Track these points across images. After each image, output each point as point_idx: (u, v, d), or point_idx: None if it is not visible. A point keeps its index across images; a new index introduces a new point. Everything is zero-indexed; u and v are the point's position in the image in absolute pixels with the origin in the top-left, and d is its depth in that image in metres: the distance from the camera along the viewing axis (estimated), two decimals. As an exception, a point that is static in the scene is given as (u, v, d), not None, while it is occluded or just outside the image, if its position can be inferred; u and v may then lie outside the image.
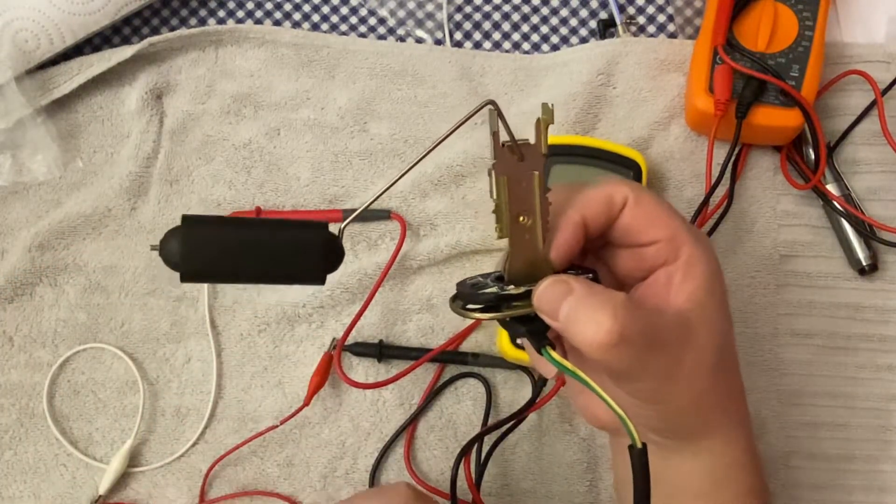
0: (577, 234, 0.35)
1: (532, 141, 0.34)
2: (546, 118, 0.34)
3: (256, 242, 0.33)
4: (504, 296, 0.35)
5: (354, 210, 0.56)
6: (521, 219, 0.35)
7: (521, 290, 0.35)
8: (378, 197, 0.36)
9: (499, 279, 0.36)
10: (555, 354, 0.33)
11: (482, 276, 0.38)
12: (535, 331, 0.35)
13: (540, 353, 0.34)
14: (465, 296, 0.36)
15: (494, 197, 0.34)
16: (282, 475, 0.54)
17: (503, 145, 0.34)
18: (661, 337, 0.34)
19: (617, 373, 0.34)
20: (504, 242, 0.35)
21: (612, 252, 0.38)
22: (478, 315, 0.35)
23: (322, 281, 0.35)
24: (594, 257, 0.39)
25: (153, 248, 0.32)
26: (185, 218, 0.32)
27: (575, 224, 0.35)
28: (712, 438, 0.37)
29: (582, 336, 0.32)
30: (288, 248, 0.34)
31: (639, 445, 0.31)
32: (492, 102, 0.33)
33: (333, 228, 0.35)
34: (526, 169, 0.34)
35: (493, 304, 0.35)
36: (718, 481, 0.38)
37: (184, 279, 0.33)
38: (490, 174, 0.34)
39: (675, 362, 0.34)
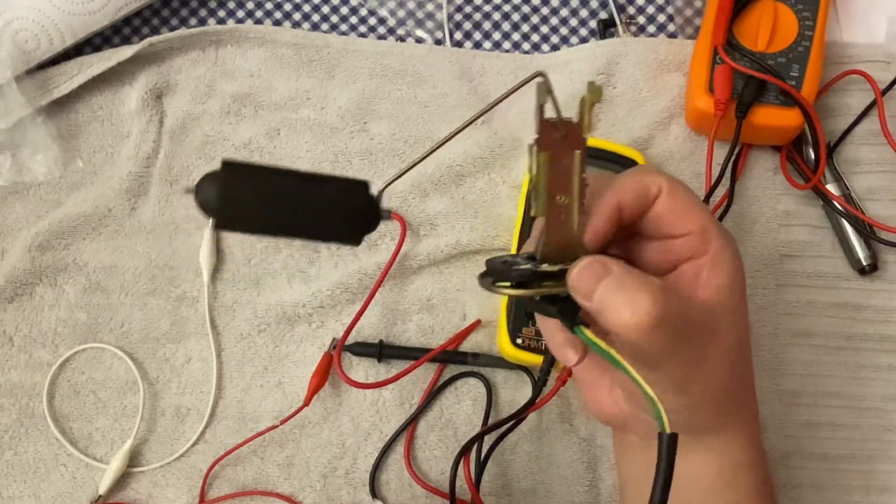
0: (612, 218, 0.35)
1: (575, 120, 0.33)
2: (592, 97, 0.33)
3: (297, 194, 0.32)
4: (539, 273, 0.34)
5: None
6: (559, 198, 0.34)
7: (556, 268, 0.34)
8: (418, 162, 0.34)
9: (529, 259, 0.35)
10: (589, 333, 0.32)
11: (510, 256, 0.38)
12: (566, 310, 0.34)
13: (573, 332, 0.33)
14: (497, 272, 0.35)
15: (533, 173, 0.33)
16: (282, 475, 0.54)
17: (547, 121, 0.33)
18: (691, 326, 0.33)
19: (647, 357, 0.33)
20: (538, 222, 0.34)
21: (637, 243, 0.38)
22: (509, 291, 0.34)
23: (358, 241, 0.34)
24: (618, 249, 0.38)
25: (188, 190, 0.31)
26: (225, 162, 0.31)
27: (611, 208, 0.35)
28: (726, 434, 0.37)
29: (618, 317, 0.32)
30: (328, 204, 0.32)
31: (667, 431, 0.30)
32: (541, 74, 0.32)
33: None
34: (567, 147, 0.33)
35: (525, 281, 0.34)
36: (730, 477, 0.38)
37: (218, 226, 0.31)
38: (531, 150, 0.33)
39: (701, 353, 0.34)
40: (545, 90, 0.32)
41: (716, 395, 0.36)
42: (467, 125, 0.35)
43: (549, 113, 0.33)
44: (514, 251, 0.53)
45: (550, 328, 0.38)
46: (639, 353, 0.33)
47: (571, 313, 0.34)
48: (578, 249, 0.34)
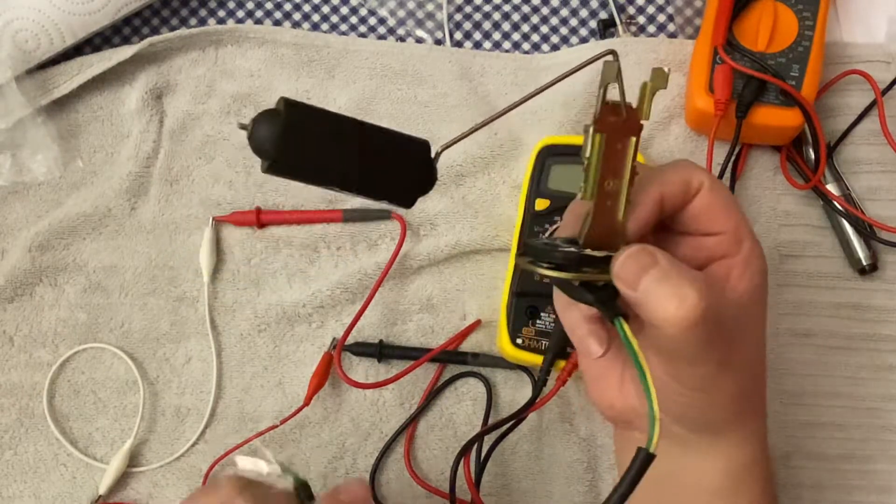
0: (655, 209, 0.35)
1: (634, 105, 0.32)
2: (655, 84, 0.32)
3: (360, 145, 0.30)
4: (585, 256, 0.33)
5: (356, 210, 0.57)
6: (607, 183, 0.33)
7: (602, 254, 0.33)
8: (477, 128, 0.33)
9: (570, 242, 0.34)
10: (626, 327, 0.32)
11: (549, 238, 0.36)
12: (604, 299, 0.33)
13: (612, 322, 0.32)
14: (539, 251, 0.34)
15: (586, 155, 0.33)
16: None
17: (607, 103, 0.32)
18: (723, 325, 0.33)
19: (682, 354, 0.33)
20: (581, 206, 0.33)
21: (669, 239, 0.37)
22: (551, 273, 0.33)
23: (410, 203, 0.32)
24: (650, 243, 0.38)
25: (241, 126, 0.29)
26: (285, 101, 0.29)
27: (654, 200, 0.34)
28: (738, 434, 0.37)
29: (663, 310, 0.31)
30: (389, 160, 0.31)
31: (652, 450, 0.30)
32: (612, 52, 0.31)
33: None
34: (623, 132, 0.33)
35: (567, 264, 0.33)
36: (736, 479, 0.38)
37: (271, 169, 0.29)
38: (586, 130, 0.32)
39: (728, 353, 0.33)
40: (614, 70, 0.31)
41: (736, 396, 0.35)
42: (538, 93, 0.33)
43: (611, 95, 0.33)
44: (513, 251, 0.53)
45: (575, 318, 0.37)
46: (675, 348, 0.32)
47: (610, 303, 0.33)
48: (621, 238, 0.34)
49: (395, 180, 0.31)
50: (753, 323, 0.36)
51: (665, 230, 0.37)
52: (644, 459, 0.30)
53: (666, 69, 0.33)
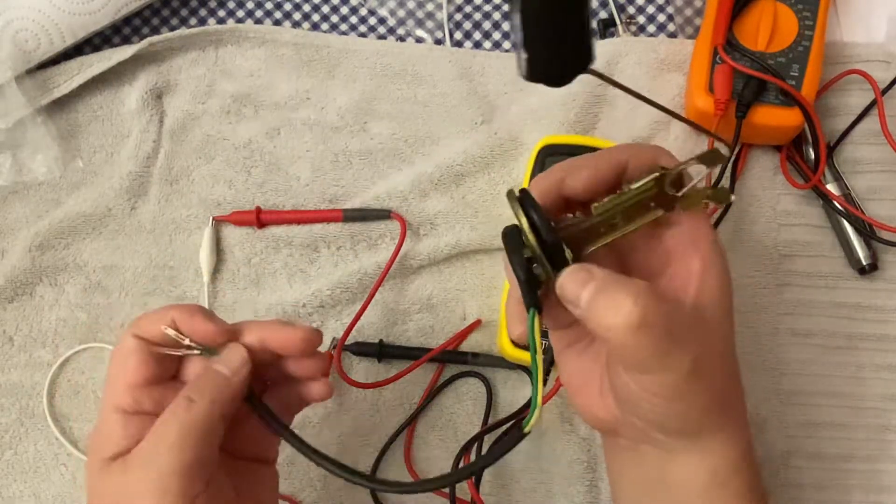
0: (615, 169, 0.36)
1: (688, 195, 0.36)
2: (711, 195, 0.36)
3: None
4: (558, 241, 0.34)
5: (355, 209, 0.57)
6: (616, 217, 0.35)
7: (568, 252, 0.35)
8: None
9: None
10: (536, 321, 0.34)
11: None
12: (531, 284, 0.34)
13: (527, 308, 0.34)
14: (531, 204, 0.35)
15: (633, 186, 0.35)
16: (282, 475, 0.54)
17: (683, 172, 0.35)
18: (681, 328, 0.34)
19: (637, 362, 0.33)
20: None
21: (627, 242, 0.38)
22: (524, 224, 0.34)
23: (533, 78, 0.32)
24: (609, 251, 0.39)
25: None
26: None
27: (619, 161, 0.36)
28: (719, 435, 0.37)
29: (604, 320, 0.32)
30: (570, 25, 0.30)
31: (526, 431, 0.33)
32: (728, 147, 0.36)
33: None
34: (662, 201, 0.35)
35: (544, 234, 0.34)
36: (722, 481, 0.38)
37: None
38: (651, 171, 0.35)
39: (692, 357, 0.34)
40: (715, 160, 0.35)
41: (710, 402, 0.36)
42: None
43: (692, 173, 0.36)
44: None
45: (511, 295, 0.38)
46: (629, 356, 0.33)
47: (533, 293, 0.34)
48: (578, 257, 0.35)
49: (551, 49, 0.31)
50: (720, 324, 0.36)
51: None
52: (518, 436, 0.33)
53: (733, 197, 0.37)
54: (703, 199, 0.36)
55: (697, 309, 0.35)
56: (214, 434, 0.37)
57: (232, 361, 0.39)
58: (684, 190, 0.35)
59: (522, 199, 0.35)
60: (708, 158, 0.35)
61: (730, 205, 0.54)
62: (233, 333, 0.40)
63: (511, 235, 0.36)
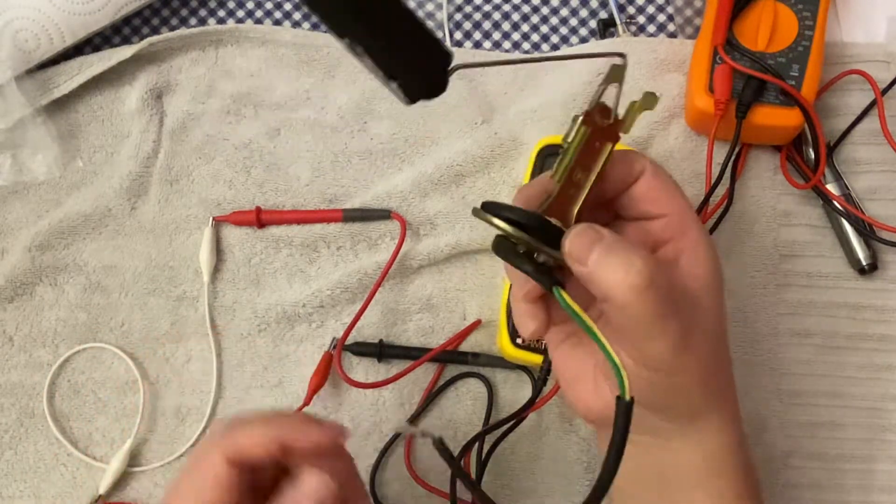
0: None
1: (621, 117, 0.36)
2: (644, 105, 0.36)
3: (392, 11, 0.30)
4: (543, 220, 0.34)
5: (355, 209, 0.57)
6: (576, 173, 0.36)
7: (557, 222, 0.35)
8: (514, 62, 0.35)
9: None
10: (565, 295, 0.33)
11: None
12: (543, 271, 0.34)
13: (550, 292, 0.34)
14: (500, 206, 0.35)
15: (568, 140, 0.36)
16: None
17: (601, 104, 0.35)
18: (680, 295, 0.34)
19: (637, 324, 0.34)
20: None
21: (616, 225, 0.39)
22: (505, 226, 0.34)
23: (413, 96, 0.32)
24: None
25: None
26: None
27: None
28: (712, 417, 0.38)
29: (613, 278, 0.33)
30: (413, 41, 0.31)
31: (627, 398, 0.31)
32: (621, 55, 0.34)
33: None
34: (604, 135, 0.36)
35: (528, 222, 0.34)
36: (716, 463, 0.38)
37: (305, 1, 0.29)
38: (574, 119, 0.35)
39: (687, 329, 0.34)
40: (620, 74, 0.34)
41: (703, 378, 0.36)
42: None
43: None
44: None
45: (516, 296, 0.38)
46: (630, 319, 0.33)
47: (548, 273, 0.34)
48: (569, 225, 0.36)
49: (412, 65, 0.31)
50: (710, 307, 0.36)
51: (613, 217, 0.39)
52: (626, 407, 0.31)
53: (658, 94, 0.36)
54: (637, 112, 0.36)
55: (688, 287, 0.36)
56: None
57: (318, 492, 0.36)
58: (615, 114, 0.36)
59: (487, 207, 0.35)
60: (613, 76, 0.36)
61: (729, 206, 0.54)
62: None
63: (500, 243, 0.36)
